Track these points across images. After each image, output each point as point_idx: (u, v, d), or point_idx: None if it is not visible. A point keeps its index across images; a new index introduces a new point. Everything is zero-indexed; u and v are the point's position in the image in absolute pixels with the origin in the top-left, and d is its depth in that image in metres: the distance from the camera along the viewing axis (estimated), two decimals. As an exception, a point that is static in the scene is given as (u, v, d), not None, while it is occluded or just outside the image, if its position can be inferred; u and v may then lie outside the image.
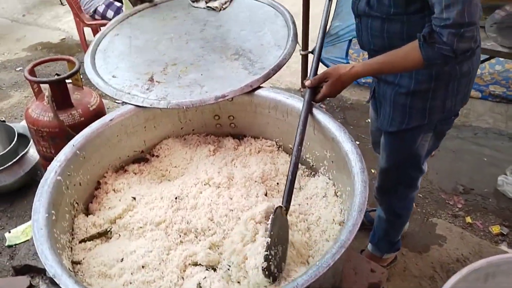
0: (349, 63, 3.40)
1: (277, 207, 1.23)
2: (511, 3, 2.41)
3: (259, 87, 1.59)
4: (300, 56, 3.52)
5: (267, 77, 1.59)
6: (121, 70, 1.73)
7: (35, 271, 2.17)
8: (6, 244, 2.34)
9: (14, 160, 2.62)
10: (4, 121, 2.74)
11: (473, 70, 1.53)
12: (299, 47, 3.46)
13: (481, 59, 1.84)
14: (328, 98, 1.72)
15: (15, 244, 2.33)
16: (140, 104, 1.53)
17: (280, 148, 1.69)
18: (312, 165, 1.60)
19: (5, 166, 2.60)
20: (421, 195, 2.62)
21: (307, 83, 1.46)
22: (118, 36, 1.96)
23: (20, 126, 2.85)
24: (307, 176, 1.60)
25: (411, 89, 1.51)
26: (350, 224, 1.09)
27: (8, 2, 5.42)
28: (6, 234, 2.38)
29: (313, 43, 3.54)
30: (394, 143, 1.70)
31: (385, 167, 1.81)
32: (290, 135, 1.60)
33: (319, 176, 1.54)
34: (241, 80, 1.59)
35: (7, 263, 2.25)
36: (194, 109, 1.67)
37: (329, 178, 1.49)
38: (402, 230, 2.11)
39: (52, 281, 2.13)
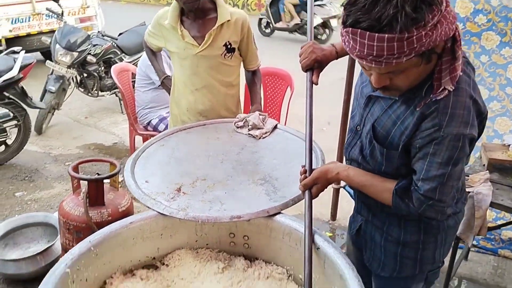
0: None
1: None
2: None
3: (276, 214, 1.63)
4: (332, 189, 3.58)
5: (285, 206, 1.65)
6: (155, 177, 1.85)
7: None
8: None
9: (38, 251, 2.69)
10: None
11: (458, 222, 1.57)
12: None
13: None
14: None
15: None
16: (161, 211, 1.60)
17: (290, 277, 1.66)
18: (320, 300, 1.54)
19: (28, 256, 2.67)
20: None
21: (300, 187, 1.57)
22: (163, 147, 2.14)
23: (54, 217, 2.98)
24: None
25: (401, 239, 1.52)
26: None
27: (76, 104, 6.03)
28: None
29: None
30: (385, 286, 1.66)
31: None
32: (302, 265, 1.59)
33: (324, 314, 1.48)
34: (260, 205, 1.65)
35: None
36: (211, 224, 1.71)
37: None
38: None
39: None
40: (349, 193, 3.55)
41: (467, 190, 2.15)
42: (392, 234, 1.54)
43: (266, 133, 2.26)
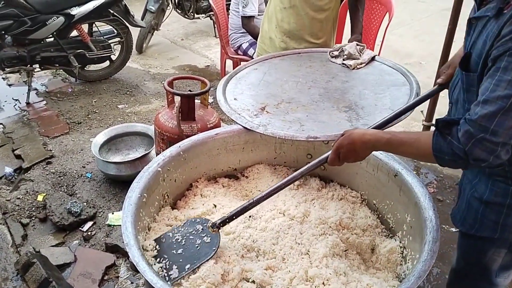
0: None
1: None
2: None
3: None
4: (422, 126, 3.44)
5: (365, 132, 1.62)
6: (243, 96, 1.91)
7: (121, 253, 2.44)
8: (107, 223, 2.65)
9: (136, 157, 2.99)
10: None
11: None
12: (422, 117, 3.40)
13: None
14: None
15: (114, 225, 2.63)
16: (243, 124, 1.67)
17: (363, 202, 1.69)
18: (392, 227, 1.56)
19: (128, 160, 2.99)
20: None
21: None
22: (256, 70, 2.16)
23: (151, 129, 3.26)
24: (384, 236, 1.57)
25: (485, 198, 1.32)
26: (403, 286, 1.07)
27: (173, 26, 6.26)
28: (109, 214, 2.70)
29: (438, 116, 3.45)
30: (464, 245, 1.49)
31: (454, 267, 1.59)
32: (377, 191, 1.61)
33: (395, 240, 1.51)
34: (339, 129, 1.62)
35: (102, 239, 2.54)
36: (290, 143, 1.77)
37: (403, 245, 1.45)
38: None
39: (132, 266, 2.38)
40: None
41: None
42: (478, 191, 1.36)
43: (361, 64, 2.15)
